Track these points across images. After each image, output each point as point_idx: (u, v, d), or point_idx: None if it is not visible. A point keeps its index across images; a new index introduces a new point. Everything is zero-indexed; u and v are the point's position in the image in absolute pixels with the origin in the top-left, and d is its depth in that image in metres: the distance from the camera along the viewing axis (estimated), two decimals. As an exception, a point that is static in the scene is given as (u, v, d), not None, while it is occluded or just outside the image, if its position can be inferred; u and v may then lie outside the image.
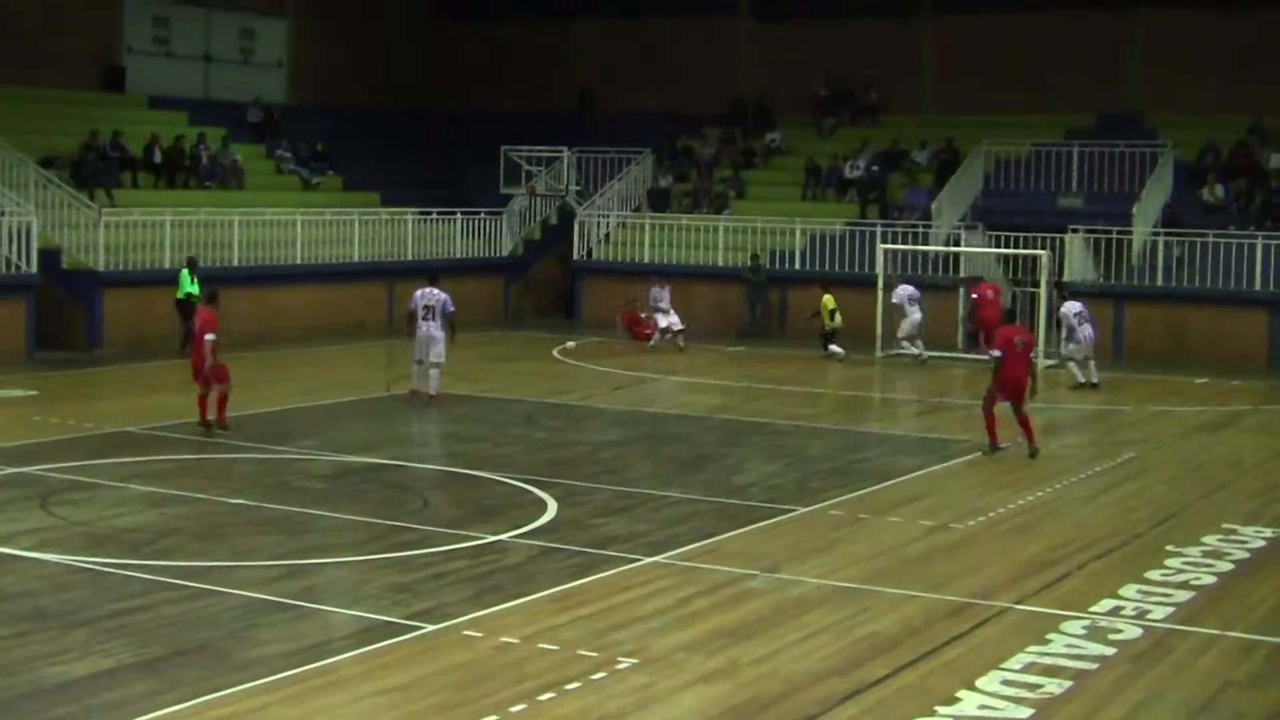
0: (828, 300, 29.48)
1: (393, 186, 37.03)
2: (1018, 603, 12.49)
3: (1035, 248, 29.86)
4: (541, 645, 11.01)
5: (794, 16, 38.92)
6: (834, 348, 28.98)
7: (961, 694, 10.19)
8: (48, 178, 28.83)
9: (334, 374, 26.28)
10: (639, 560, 13.60)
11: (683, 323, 30.42)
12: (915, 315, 28.85)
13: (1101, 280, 30.71)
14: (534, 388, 24.92)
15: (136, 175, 32.11)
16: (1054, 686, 10.40)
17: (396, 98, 40.78)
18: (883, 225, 32.95)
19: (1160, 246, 30.89)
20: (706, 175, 37.60)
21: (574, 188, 37.09)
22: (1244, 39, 34.28)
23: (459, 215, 35.75)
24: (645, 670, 10.54)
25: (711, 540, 14.46)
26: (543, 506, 15.75)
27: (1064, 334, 25.88)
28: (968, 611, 12.20)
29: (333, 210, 33.56)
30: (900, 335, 28.90)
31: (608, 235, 36.22)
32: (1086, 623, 11.89)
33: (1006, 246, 31.21)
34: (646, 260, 34.84)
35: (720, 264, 34.61)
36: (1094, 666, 10.87)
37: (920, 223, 32.78)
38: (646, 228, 35.72)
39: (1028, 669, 10.72)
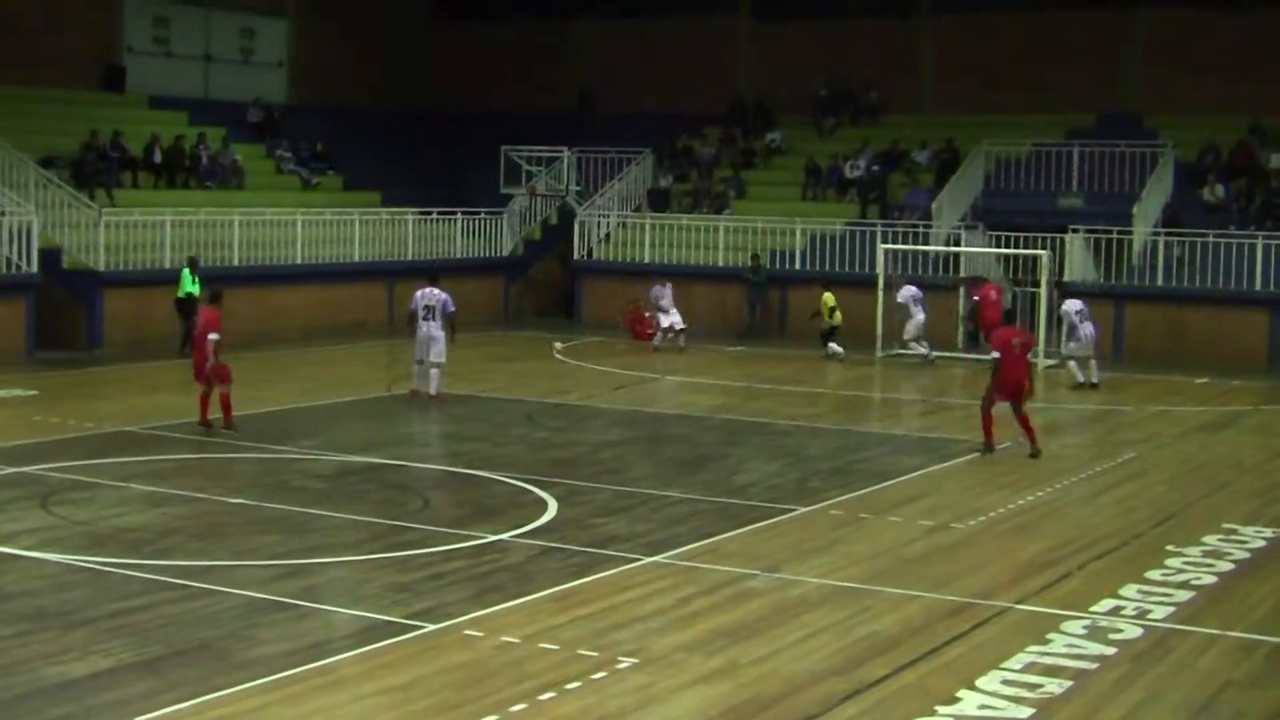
0: (828, 298, 29.51)
1: (393, 186, 37.03)
2: (1018, 602, 12.50)
3: (1035, 248, 29.87)
4: (542, 645, 11.01)
5: (794, 16, 38.92)
6: (834, 346, 28.99)
7: (962, 694, 10.19)
8: (48, 178, 28.83)
9: (334, 374, 26.28)
10: (639, 560, 13.61)
11: (684, 322, 30.43)
12: (920, 316, 28.87)
13: (1102, 280, 30.71)
14: (534, 387, 24.92)
15: (137, 175, 32.12)
16: (1054, 686, 10.40)
17: (396, 98, 40.79)
18: (883, 225, 32.96)
19: (1160, 246, 30.89)
20: (707, 175, 37.61)
21: (574, 188, 37.10)
22: (1244, 39, 34.28)
23: (459, 215, 35.75)
24: (645, 670, 10.54)
25: (712, 540, 14.47)
26: (543, 506, 15.75)
27: (1064, 332, 25.88)
28: (968, 611, 12.20)
29: (333, 210, 33.57)
30: (907, 337, 28.90)
31: (608, 235, 36.22)
32: (1087, 622, 11.89)
33: (1007, 246, 31.22)
34: (647, 260, 34.84)
35: (720, 264, 34.61)
36: (1094, 666, 10.87)
37: (920, 223, 32.79)
38: (647, 228, 35.72)
39: (1028, 669, 10.72)
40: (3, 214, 27.26)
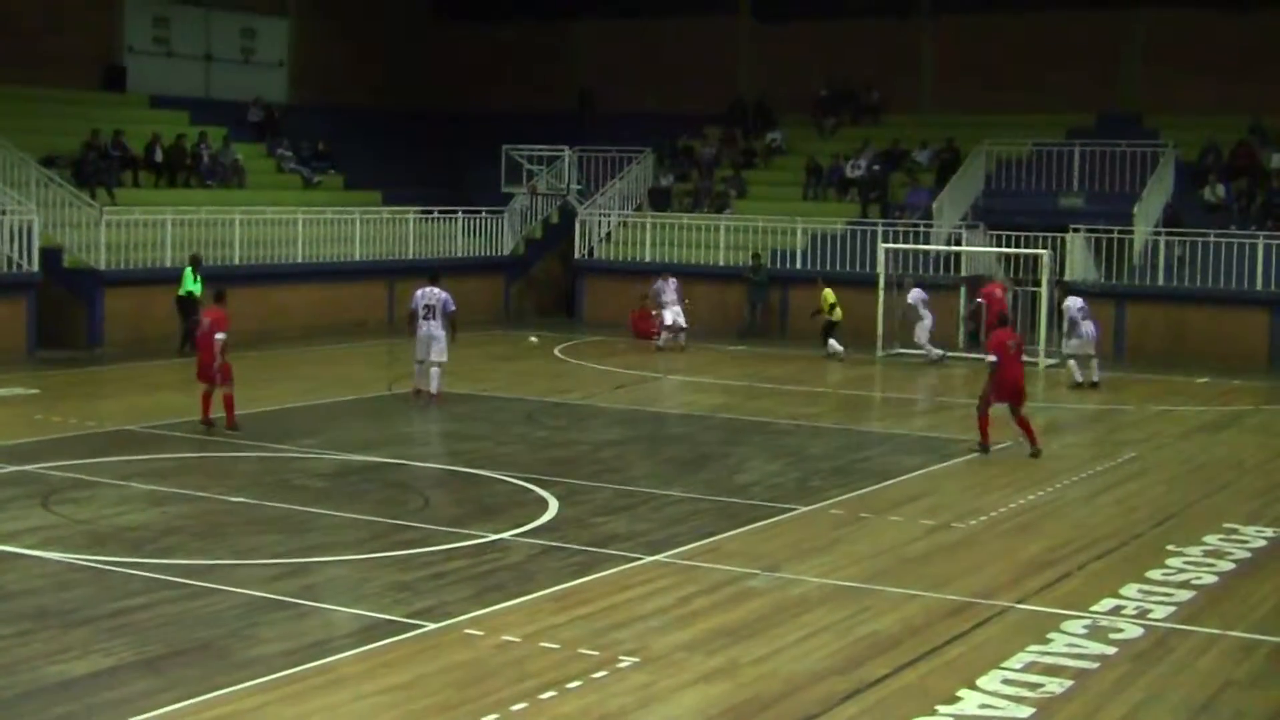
0: (828, 294, 29.54)
1: (394, 186, 37.03)
2: (1019, 602, 12.50)
3: (1036, 247, 29.87)
4: (542, 644, 11.02)
5: (794, 16, 38.90)
6: (834, 344, 28.98)
7: (962, 693, 10.20)
8: (49, 177, 28.84)
9: (335, 373, 26.28)
10: (640, 559, 13.61)
11: (686, 321, 30.41)
12: (928, 319, 28.87)
13: (1102, 280, 30.71)
14: (535, 387, 24.92)
15: (138, 174, 32.12)
16: (1055, 686, 10.40)
17: (397, 97, 40.78)
18: (884, 225, 32.96)
19: (1161, 246, 30.88)
20: (707, 175, 37.60)
21: (575, 187, 37.09)
22: (1244, 39, 34.27)
23: (460, 214, 35.75)
24: (646, 669, 10.54)
25: (712, 539, 14.47)
26: (544, 505, 15.76)
27: (1065, 329, 25.89)
28: (968, 611, 12.21)
29: (334, 209, 33.58)
30: (918, 340, 28.88)
31: (609, 234, 36.22)
32: (1087, 622, 11.90)
33: (1008, 246, 31.22)
34: (648, 259, 34.82)
35: (721, 263, 34.61)
36: (1095, 666, 10.88)
37: (921, 222, 32.79)
38: (648, 227, 35.72)
39: (1028, 668, 10.73)
40: (4, 213, 27.27)
